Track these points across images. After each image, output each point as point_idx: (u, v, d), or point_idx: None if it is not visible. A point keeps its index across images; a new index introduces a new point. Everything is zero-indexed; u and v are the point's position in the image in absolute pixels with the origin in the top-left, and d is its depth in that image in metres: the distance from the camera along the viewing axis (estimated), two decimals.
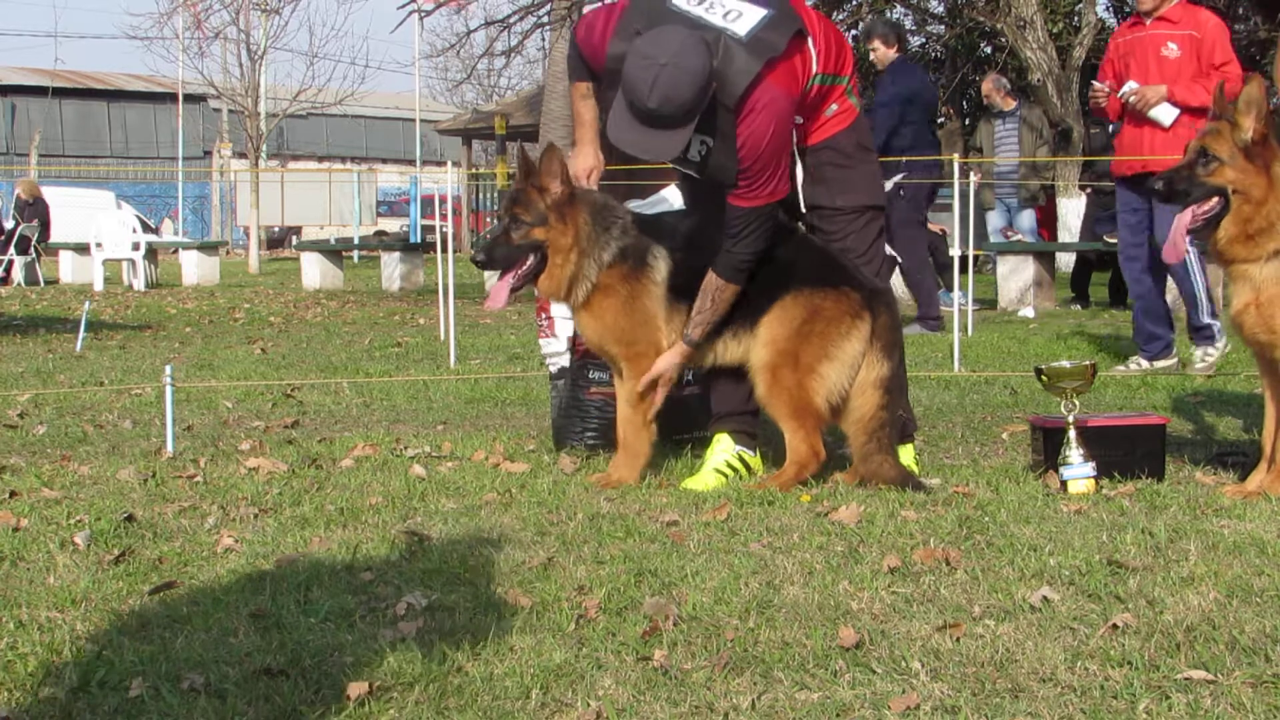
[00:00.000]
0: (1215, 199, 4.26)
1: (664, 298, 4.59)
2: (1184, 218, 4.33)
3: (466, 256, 23.66)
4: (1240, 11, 23.90)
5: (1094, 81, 7.79)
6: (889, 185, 9.99)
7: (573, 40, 4.79)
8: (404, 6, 18.82)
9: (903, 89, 10.74)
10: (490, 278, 4.95)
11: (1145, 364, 7.80)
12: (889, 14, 24.03)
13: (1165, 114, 7.46)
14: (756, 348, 4.56)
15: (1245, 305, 4.31)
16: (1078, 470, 4.43)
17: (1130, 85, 7.51)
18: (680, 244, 4.62)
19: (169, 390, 5.33)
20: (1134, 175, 7.56)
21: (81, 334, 10.33)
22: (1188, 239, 4.39)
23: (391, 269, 17.88)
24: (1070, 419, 4.50)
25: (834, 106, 4.68)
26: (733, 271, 4.48)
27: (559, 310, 5.35)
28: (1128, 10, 27.37)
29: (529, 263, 4.54)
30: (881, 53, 10.87)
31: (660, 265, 4.59)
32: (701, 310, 4.52)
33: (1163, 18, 7.55)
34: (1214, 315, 7.77)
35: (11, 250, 20.56)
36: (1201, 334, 7.77)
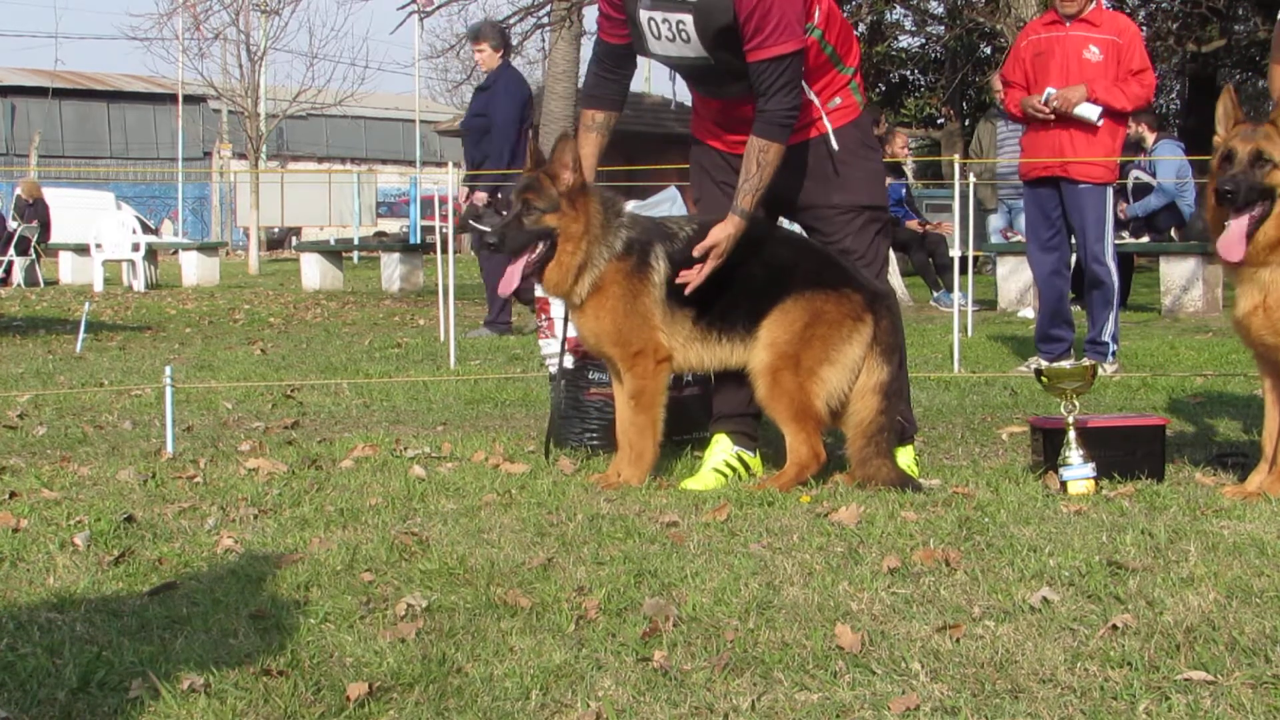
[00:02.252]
0: (1262, 203, 4.21)
1: (663, 300, 4.56)
2: (1243, 222, 4.22)
3: (466, 257, 23.70)
4: (1240, 12, 23.91)
5: (1041, 93, 7.72)
6: (484, 197, 10.36)
7: (594, 54, 4.82)
8: (404, 7, 18.87)
9: (518, 96, 10.69)
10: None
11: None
12: (889, 15, 24.05)
13: (1091, 111, 7.60)
14: (757, 350, 4.53)
15: (1253, 308, 4.29)
16: (1077, 471, 4.43)
17: (1049, 92, 7.62)
18: (681, 247, 4.59)
19: (169, 391, 5.33)
20: (1046, 178, 7.72)
21: (81, 335, 10.34)
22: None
23: (391, 270, 17.88)
24: (1070, 420, 4.49)
25: (838, 100, 4.67)
26: (772, 129, 4.46)
27: (558, 311, 5.35)
28: (1127, 11, 27.40)
29: (539, 249, 4.54)
30: (488, 56, 10.69)
31: (660, 266, 4.56)
32: (749, 177, 4.48)
33: (1084, 19, 7.64)
34: (1115, 338, 7.88)
35: (11, 251, 20.56)
36: (1097, 349, 7.83)
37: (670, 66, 4.78)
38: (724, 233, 4.50)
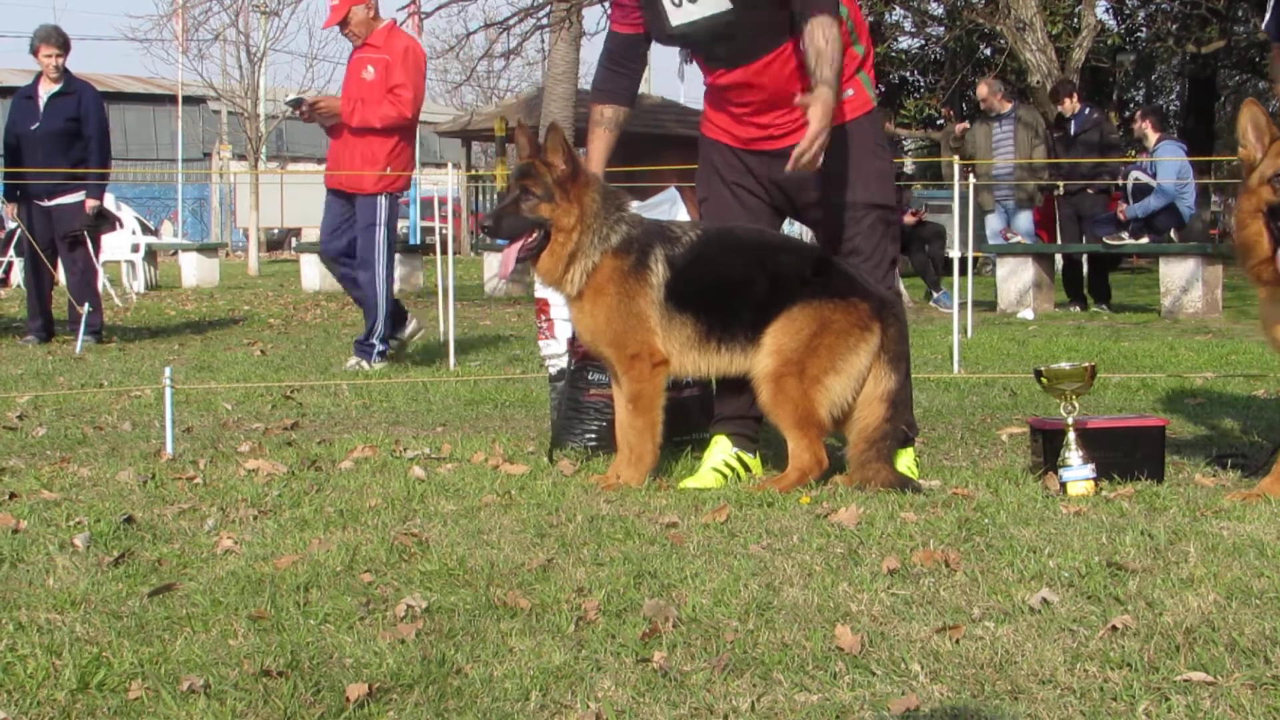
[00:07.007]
0: None
1: (660, 302, 4.52)
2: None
3: (466, 258, 23.69)
4: (1240, 13, 23.93)
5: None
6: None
7: (605, 48, 4.80)
8: (403, 8, 18.89)
9: (101, 100, 11.02)
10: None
11: (367, 365, 8.54)
12: (888, 16, 24.04)
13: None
14: (761, 356, 4.49)
15: None
16: (1077, 472, 4.42)
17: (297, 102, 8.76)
18: (683, 252, 4.56)
19: (168, 392, 5.33)
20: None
21: (81, 336, 10.34)
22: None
23: None
24: (1070, 421, 4.50)
25: (849, 91, 4.64)
26: (821, 3, 4.38)
27: (558, 312, 5.35)
28: (1127, 12, 27.42)
29: (535, 236, 4.53)
30: (61, 61, 10.75)
31: (659, 269, 4.53)
32: (820, 54, 4.35)
33: (368, 44, 8.57)
34: (384, 339, 8.64)
35: (11, 252, 20.55)
36: (363, 349, 8.66)
37: (688, 39, 4.66)
38: (818, 108, 4.28)
